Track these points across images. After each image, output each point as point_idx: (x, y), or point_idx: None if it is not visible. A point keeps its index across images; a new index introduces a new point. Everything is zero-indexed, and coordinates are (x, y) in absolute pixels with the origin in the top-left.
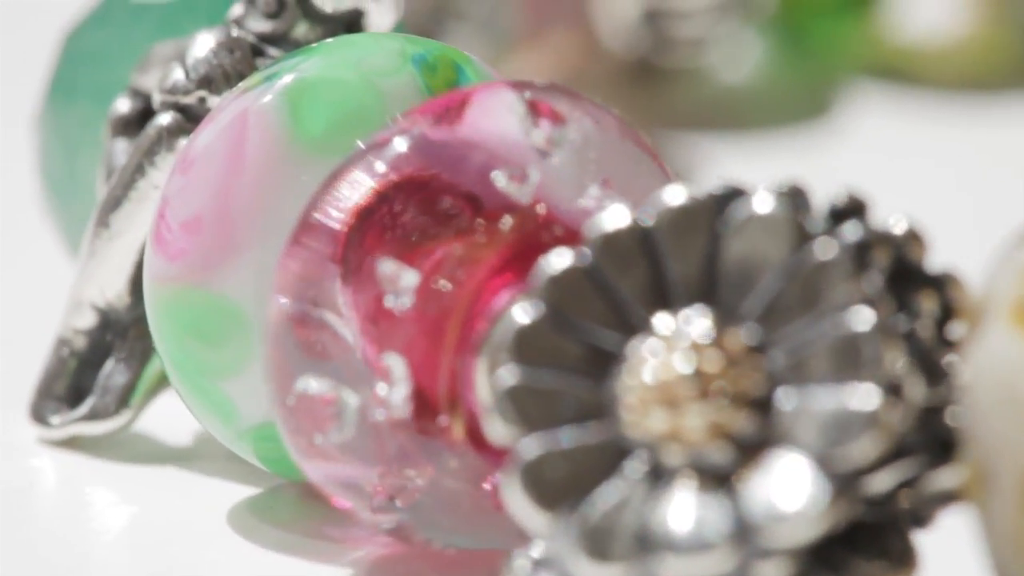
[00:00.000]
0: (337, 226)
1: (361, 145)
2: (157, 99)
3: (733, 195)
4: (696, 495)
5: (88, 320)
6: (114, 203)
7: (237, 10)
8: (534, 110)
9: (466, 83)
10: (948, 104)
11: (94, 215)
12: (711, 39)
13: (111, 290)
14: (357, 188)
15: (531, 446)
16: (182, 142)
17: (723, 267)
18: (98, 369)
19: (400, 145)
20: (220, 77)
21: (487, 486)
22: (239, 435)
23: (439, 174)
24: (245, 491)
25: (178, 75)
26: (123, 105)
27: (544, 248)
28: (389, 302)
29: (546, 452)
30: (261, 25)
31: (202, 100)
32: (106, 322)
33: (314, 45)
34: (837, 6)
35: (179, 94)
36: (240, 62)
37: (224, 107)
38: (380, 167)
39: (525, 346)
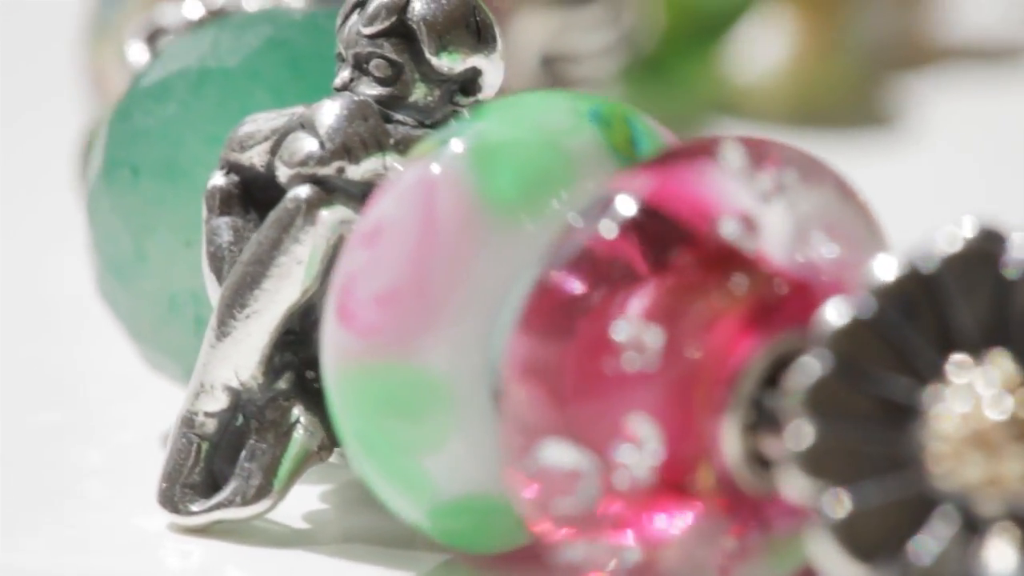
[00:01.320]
0: (574, 289)
1: (573, 208)
2: (286, 172)
3: (998, 237)
4: (1018, 544)
5: (220, 403)
6: (250, 281)
7: (345, 75)
8: (754, 156)
9: (640, 137)
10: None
11: (224, 295)
12: (602, 80)
13: (246, 371)
14: (585, 250)
15: (837, 501)
16: (323, 214)
17: (1015, 309)
18: (228, 452)
19: (626, 206)
20: (358, 145)
21: (728, 545)
22: (431, 511)
23: (670, 230)
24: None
25: (311, 146)
26: (220, 181)
27: (779, 303)
28: (631, 363)
29: (856, 507)
30: (374, 90)
31: (340, 170)
32: (237, 403)
33: (481, 106)
34: (689, 45)
35: (316, 165)
36: (375, 129)
37: (401, 176)
38: (609, 228)
39: (819, 400)
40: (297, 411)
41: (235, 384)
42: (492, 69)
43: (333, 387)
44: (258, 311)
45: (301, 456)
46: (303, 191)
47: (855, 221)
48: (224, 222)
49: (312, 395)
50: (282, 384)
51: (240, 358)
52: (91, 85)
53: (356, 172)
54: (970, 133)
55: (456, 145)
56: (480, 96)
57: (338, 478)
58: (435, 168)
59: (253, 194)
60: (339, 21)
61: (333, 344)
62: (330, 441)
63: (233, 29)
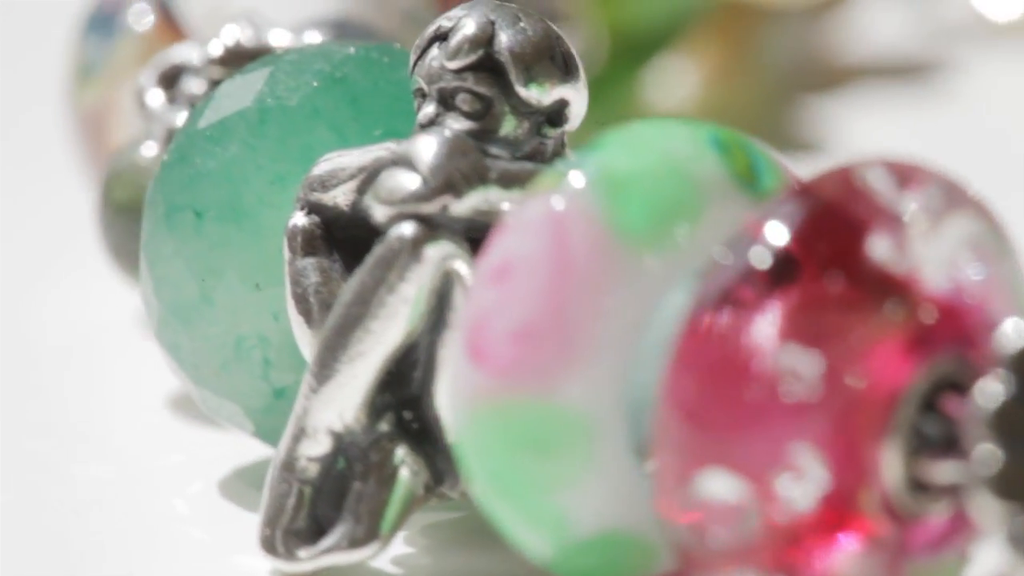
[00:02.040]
0: (729, 321)
1: (712, 238)
2: (385, 211)
3: None
4: None
5: (323, 447)
6: (354, 322)
7: (430, 111)
8: (899, 178)
9: (759, 163)
10: None
11: (325, 337)
12: None
13: (350, 413)
14: (737, 281)
15: None
16: (428, 251)
17: None
18: (331, 497)
19: (777, 235)
20: (461, 181)
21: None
22: (563, 549)
23: (822, 256)
24: None
25: (411, 183)
26: (301, 221)
27: (933, 326)
28: (792, 392)
29: None
30: (462, 125)
31: (444, 207)
32: (339, 447)
33: (597, 136)
34: (619, 69)
35: (419, 202)
36: (476, 163)
37: (522, 211)
38: (762, 258)
39: (1005, 422)
40: (401, 452)
41: (339, 427)
42: (578, 99)
43: (465, 426)
44: (363, 352)
45: (408, 498)
46: (407, 229)
47: (995, 241)
48: (310, 263)
49: (413, 436)
50: (384, 426)
51: (344, 401)
52: (82, 129)
53: (459, 208)
54: (883, 151)
55: (579, 178)
56: (567, 127)
57: (422, 520)
58: (560, 202)
59: (334, 234)
60: (415, 55)
61: (465, 384)
62: (434, 482)
63: (288, 67)
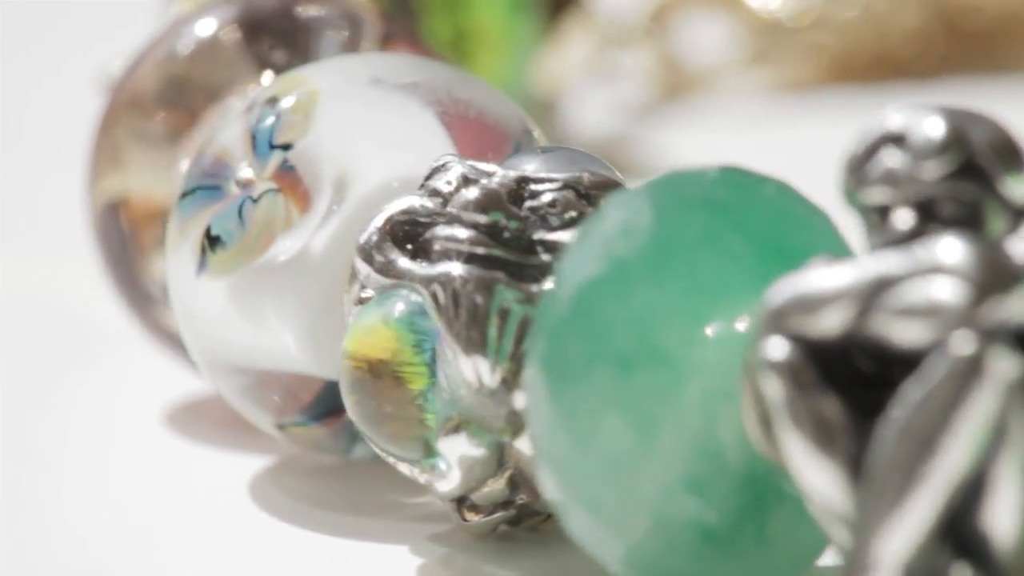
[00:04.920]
0: None
1: None
2: (920, 328)
3: None
4: None
5: None
6: (919, 450)
7: (906, 219)
8: None
9: None
10: None
11: (887, 466)
12: None
13: (916, 543)
14: None
15: None
16: (993, 365)
17: None
18: None
19: None
20: (1008, 279)
21: None
22: None
23: None
24: None
25: (947, 293)
26: (782, 354)
27: None
28: None
29: None
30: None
31: (992, 312)
32: None
33: None
34: None
35: (967, 310)
36: (1006, 262)
37: None
38: None
39: None
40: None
41: (904, 559)
42: None
43: None
44: (930, 482)
45: None
46: (965, 344)
47: None
48: (818, 394)
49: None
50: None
51: (908, 531)
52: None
53: (1010, 310)
54: None
55: None
56: None
57: None
58: None
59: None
60: (853, 164)
61: None
62: None
63: (661, 197)
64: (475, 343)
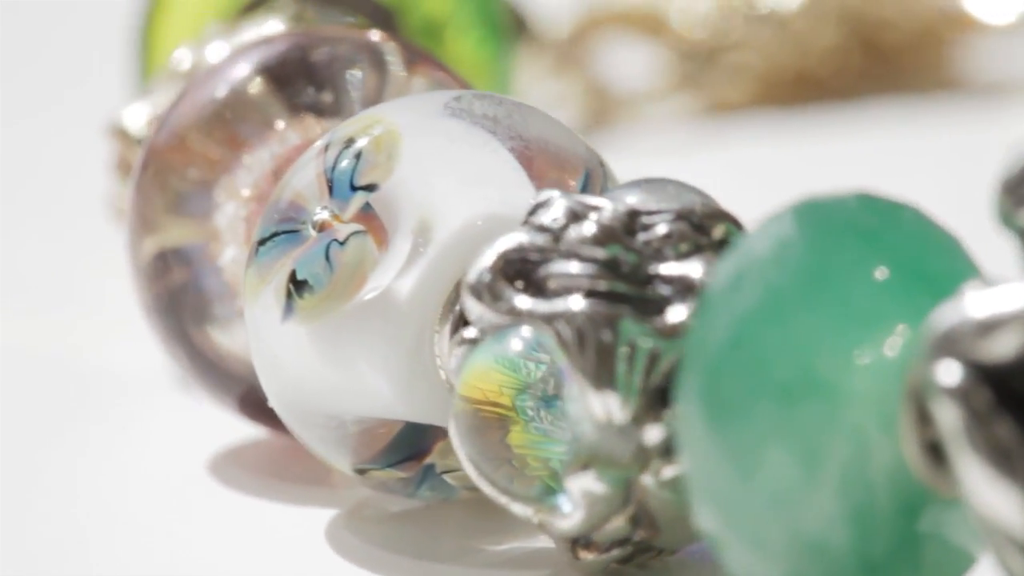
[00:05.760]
0: None
1: None
2: None
3: None
4: None
5: None
6: None
7: None
8: None
9: None
10: None
11: None
12: None
13: None
14: None
15: None
16: None
17: None
18: None
19: None
20: None
21: None
22: None
23: None
24: None
25: None
26: (956, 381)
27: None
28: None
29: None
30: None
31: None
32: None
33: None
34: None
35: None
36: None
37: None
38: None
39: None
40: None
41: None
42: None
43: None
44: None
45: None
46: None
47: None
48: (994, 420)
49: None
50: None
51: None
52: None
53: None
54: None
55: None
56: None
57: None
58: None
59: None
60: (1009, 185)
61: None
62: None
63: (811, 226)
64: (604, 379)
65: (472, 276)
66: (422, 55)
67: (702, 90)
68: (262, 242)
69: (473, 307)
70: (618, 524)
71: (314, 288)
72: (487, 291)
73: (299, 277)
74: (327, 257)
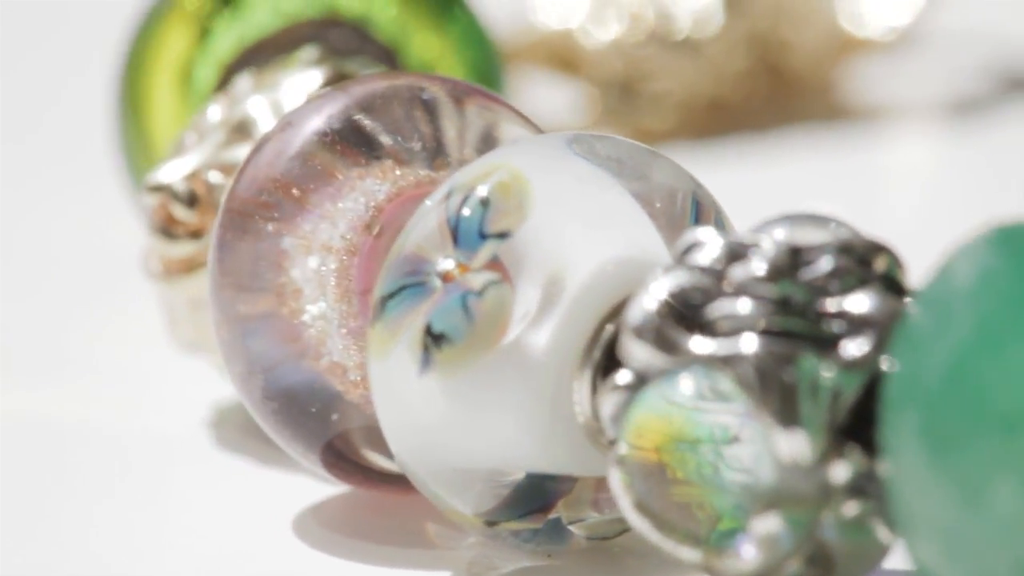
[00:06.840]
0: None
1: None
2: None
3: None
4: None
5: None
6: None
7: None
8: None
9: None
10: None
11: None
12: None
13: None
14: None
15: None
16: None
17: None
18: None
19: None
20: None
21: None
22: None
23: None
24: None
25: None
26: None
27: None
28: None
29: None
30: None
31: None
32: None
33: None
34: None
35: None
36: None
37: None
38: None
39: None
40: None
41: None
42: None
43: None
44: None
45: None
46: None
47: None
48: None
49: None
50: None
51: None
52: None
53: None
54: None
55: None
56: None
57: None
58: None
59: None
60: None
61: None
62: None
63: (1011, 253)
64: (790, 418)
65: (635, 319)
66: (468, 87)
67: (625, 121)
68: (388, 298)
69: (638, 351)
70: (794, 565)
71: (453, 340)
72: (655, 334)
73: (435, 330)
74: (464, 308)
